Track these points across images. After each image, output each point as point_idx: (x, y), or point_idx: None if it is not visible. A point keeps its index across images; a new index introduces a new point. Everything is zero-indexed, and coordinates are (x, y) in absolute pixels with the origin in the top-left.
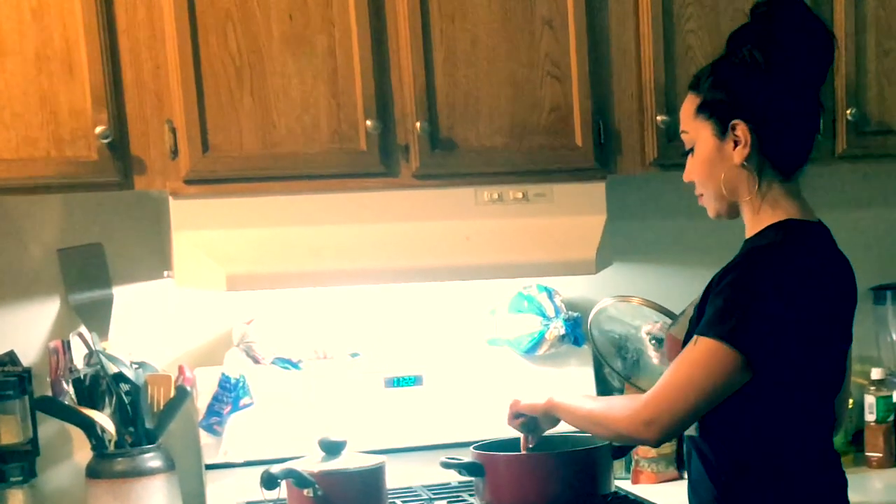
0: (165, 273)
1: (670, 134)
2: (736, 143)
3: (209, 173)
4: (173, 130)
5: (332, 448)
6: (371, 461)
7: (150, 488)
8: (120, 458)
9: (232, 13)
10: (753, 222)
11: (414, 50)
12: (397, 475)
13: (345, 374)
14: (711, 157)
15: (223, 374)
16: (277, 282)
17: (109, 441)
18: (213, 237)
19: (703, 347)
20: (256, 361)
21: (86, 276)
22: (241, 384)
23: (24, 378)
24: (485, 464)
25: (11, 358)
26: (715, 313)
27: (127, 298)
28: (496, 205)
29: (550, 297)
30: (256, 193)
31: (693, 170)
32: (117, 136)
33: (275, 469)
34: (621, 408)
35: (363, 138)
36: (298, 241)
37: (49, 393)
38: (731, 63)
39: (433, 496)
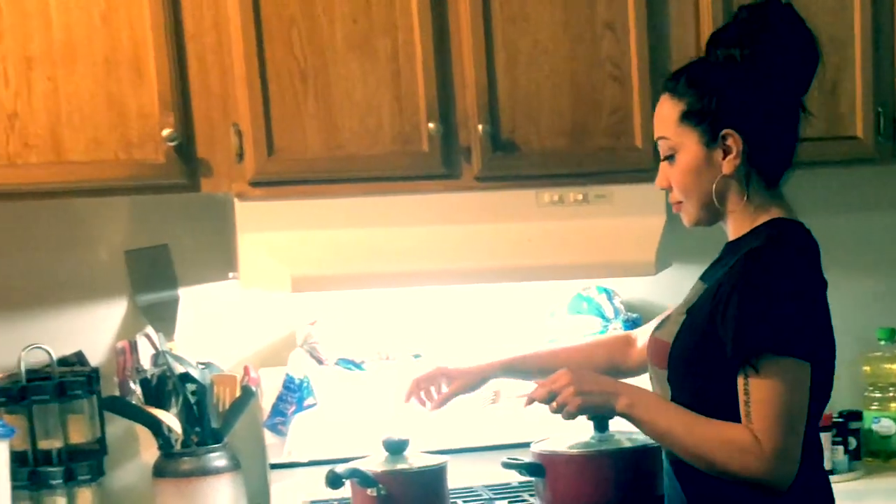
0: (230, 274)
1: None
2: (725, 153)
3: (274, 176)
4: (239, 133)
5: (395, 448)
6: (433, 461)
7: (215, 487)
8: (186, 458)
9: (297, 18)
10: (740, 227)
11: (476, 52)
12: (459, 475)
13: (407, 375)
14: (698, 166)
15: (287, 375)
16: (341, 283)
17: (176, 440)
18: (277, 239)
19: (779, 369)
20: (320, 362)
21: (152, 278)
22: (305, 385)
23: (92, 378)
24: (545, 464)
25: (80, 358)
26: (769, 328)
27: (193, 299)
28: (557, 206)
29: (609, 298)
30: (320, 195)
31: (674, 178)
32: (184, 138)
33: (339, 469)
34: (736, 455)
35: (425, 140)
36: (361, 242)
37: (117, 393)
38: (716, 66)
39: (494, 496)
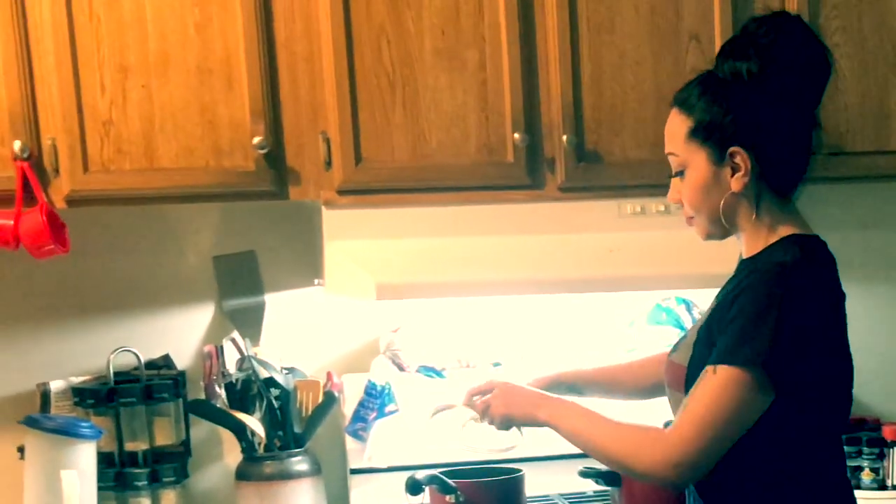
0: (316, 281)
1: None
2: (734, 171)
3: (361, 184)
4: (328, 142)
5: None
6: (511, 469)
7: (297, 491)
8: (268, 461)
9: (386, 28)
10: (754, 243)
11: (562, 64)
12: (536, 483)
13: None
14: (707, 184)
15: (370, 381)
16: (424, 291)
17: (259, 444)
18: (363, 247)
19: (726, 375)
20: (402, 369)
21: (239, 283)
22: (386, 391)
23: (178, 381)
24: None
25: (167, 361)
26: (735, 338)
27: (278, 305)
28: (639, 217)
29: (689, 309)
30: (406, 204)
31: (684, 194)
32: (274, 147)
33: (419, 475)
34: (641, 446)
35: (510, 151)
36: (446, 251)
37: (202, 396)
38: (726, 81)
39: None
